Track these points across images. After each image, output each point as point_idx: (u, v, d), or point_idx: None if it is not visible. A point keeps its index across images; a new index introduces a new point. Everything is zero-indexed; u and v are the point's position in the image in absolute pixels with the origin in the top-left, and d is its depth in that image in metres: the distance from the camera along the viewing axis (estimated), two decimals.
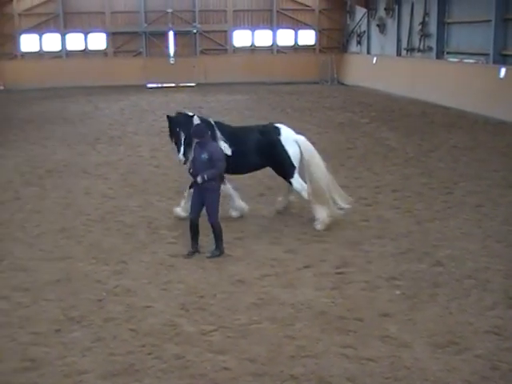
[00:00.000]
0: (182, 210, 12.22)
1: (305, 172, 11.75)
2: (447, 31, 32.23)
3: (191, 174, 10.49)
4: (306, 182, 11.79)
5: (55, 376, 6.90)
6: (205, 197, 10.32)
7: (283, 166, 11.90)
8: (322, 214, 11.64)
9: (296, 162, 11.78)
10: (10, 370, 7.05)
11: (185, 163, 11.54)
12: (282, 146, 11.76)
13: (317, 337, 7.65)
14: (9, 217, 12.99)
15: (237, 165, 11.73)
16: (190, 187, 11.31)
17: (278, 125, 12.24)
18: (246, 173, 12.64)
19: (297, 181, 11.87)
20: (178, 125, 11.53)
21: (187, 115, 11.78)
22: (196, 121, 11.55)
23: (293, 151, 11.75)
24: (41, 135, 23.17)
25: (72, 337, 7.79)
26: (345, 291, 8.99)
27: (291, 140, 11.84)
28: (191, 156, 10.94)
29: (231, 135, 11.98)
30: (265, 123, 12.82)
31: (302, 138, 12.02)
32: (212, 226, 10.49)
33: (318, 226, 11.64)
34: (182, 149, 11.43)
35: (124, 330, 7.91)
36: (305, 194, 11.86)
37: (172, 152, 18.91)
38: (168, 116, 11.83)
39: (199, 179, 10.17)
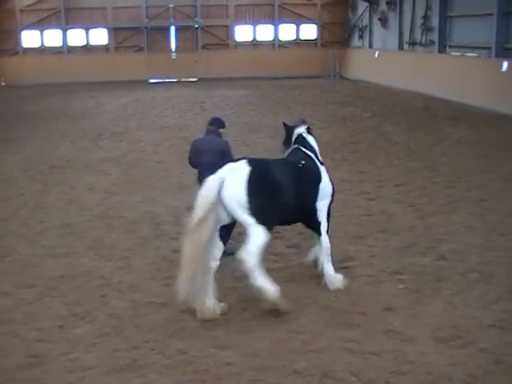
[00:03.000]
0: None
1: None
2: (449, 25, 32.17)
3: None
4: None
5: (59, 372, 6.90)
6: None
7: None
8: None
9: None
10: (14, 365, 7.04)
11: None
12: None
13: (320, 331, 7.64)
14: (12, 213, 13.00)
15: None
16: None
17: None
18: None
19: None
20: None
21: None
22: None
23: None
24: (43, 131, 23.19)
25: (76, 333, 7.78)
26: (348, 285, 8.97)
27: None
28: None
29: None
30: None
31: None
32: None
33: None
34: None
35: (127, 326, 7.91)
36: None
37: (172, 147, 19.06)
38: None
39: None
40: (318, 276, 9.26)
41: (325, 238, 8.96)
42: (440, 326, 7.70)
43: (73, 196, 14.16)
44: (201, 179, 9.30)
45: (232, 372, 6.79)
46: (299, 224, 11.40)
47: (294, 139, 9.50)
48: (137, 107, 29.76)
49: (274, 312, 8.04)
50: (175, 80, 42.73)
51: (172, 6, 44.20)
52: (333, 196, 9.14)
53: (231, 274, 9.37)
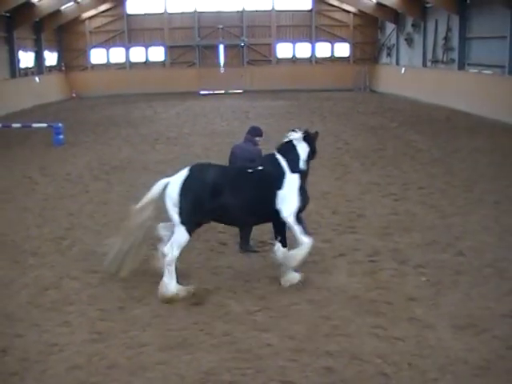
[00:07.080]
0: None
1: None
2: (468, 45, 31.74)
3: None
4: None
5: (119, 347, 6.98)
6: None
7: None
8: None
9: None
10: (80, 340, 7.16)
11: None
12: None
13: (350, 318, 7.59)
14: (79, 208, 13.17)
15: None
16: None
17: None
18: None
19: None
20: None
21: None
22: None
23: None
24: (108, 136, 23.45)
25: (134, 314, 7.87)
26: (376, 277, 8.89)
27: None
28: None
29: None
30: None
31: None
32: None
33: None
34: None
35: (179, 309, 7.96)
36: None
37: (221, 151, 19.09)
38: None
39: None
40: (348, 268, 9.22)
41: (301, 239, 8.49)
42: (457, 315, 7.58)
43: (132, 193, 14.23)
44: None
45: (271, 352, 6.79)
46: (332, 221, 11.36)
47: (280, 144, 8.92)
48: (189, 115, 29.92)
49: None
50: (223, 92, 42.94)
51: (221, 26, 44.53)
52: (301, 204, 8.55)
53: (272, 264, 9.37)
